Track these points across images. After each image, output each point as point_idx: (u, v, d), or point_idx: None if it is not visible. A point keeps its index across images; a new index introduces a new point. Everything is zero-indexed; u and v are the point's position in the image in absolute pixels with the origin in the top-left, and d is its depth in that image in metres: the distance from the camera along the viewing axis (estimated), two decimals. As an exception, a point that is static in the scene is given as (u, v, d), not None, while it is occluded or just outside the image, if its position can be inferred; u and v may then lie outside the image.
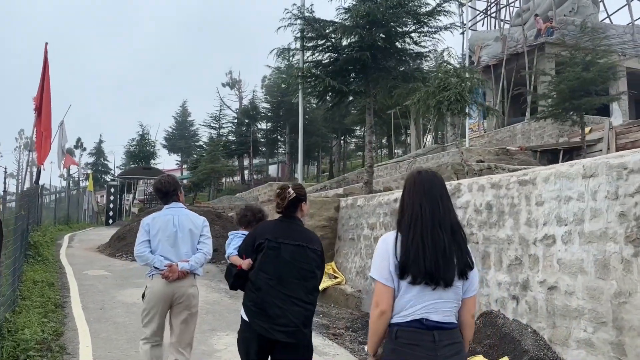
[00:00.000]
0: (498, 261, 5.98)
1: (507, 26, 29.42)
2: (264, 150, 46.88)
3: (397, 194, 7.99)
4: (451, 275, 2.29)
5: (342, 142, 44.99)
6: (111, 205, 30.90)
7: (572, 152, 17.57)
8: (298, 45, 10.47)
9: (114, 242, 13.98)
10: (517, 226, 5.71)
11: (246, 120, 44.42)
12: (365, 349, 2.84)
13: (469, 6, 30.68)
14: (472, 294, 2.42)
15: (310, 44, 10.54)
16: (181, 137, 64.79)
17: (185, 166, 63.26)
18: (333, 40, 10.42)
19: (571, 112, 12.60)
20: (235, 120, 47.51)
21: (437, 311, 2.28)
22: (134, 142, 45.27)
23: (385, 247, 2.36)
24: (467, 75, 8.49)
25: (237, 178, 50.13)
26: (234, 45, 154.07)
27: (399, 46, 10.56)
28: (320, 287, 9.98)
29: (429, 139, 31.21)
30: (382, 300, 2.30)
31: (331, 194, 17.19)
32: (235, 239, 3.85)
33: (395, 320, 2.31)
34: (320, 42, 10.54)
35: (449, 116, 9.97)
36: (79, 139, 64.60)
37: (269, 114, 41.89)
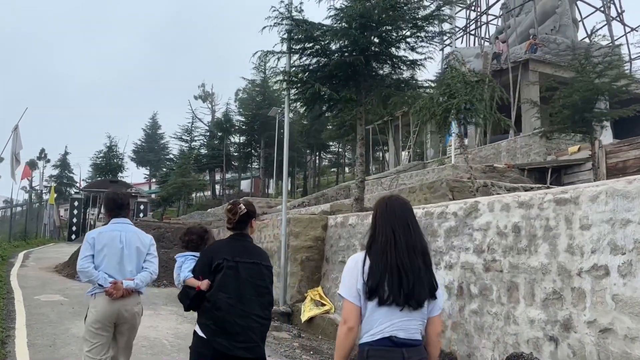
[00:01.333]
0: (529, 294, 5.07)
1: (486, 43, 29.17)
2: (237, 165, 45.62)
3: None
4: (424, 296, 2.41)
5: (316, 157, 44.13)
6: (74, 220, 29.27)
7: (560, 171, 17.05)
8: (284, 48, 9.49)
9: (74, 261, 12.64)
10: (554, 253, 4.82)
11: (219, 133, 43.22)
12: None
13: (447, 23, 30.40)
14: (437, 313, 2.53)
15: (297, 47, 9.59)
16: (150, 150, 63.25)
17: (153, 180, 61.56)
18: (322, 43, 9.51)
19: (580, 126, 11.91)
20: (208, 134, 46.27)
21: (404, 329, 2.36)
22: (101, 154, 43.63)
23: (355, 267, 2.43)
24: (476, 80, 7.68)
25: (208, 193, 48.72)
26: (207, 59, 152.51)
27: (394, 52, 9.71)
28: (307, 315, 8.92)
29: (404, 155, 30.64)
30: (349, 318, 2.37)
31: (316, 211, 16.20)
32: (187, 262, 3.72)
33: (364, 339, 2.38)
34: (308, 45, 9.62)
35: (453, 127, 9.10)
36: (42, 150, 62.07)
37: (243, 127, 40.75)
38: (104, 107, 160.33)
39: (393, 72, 9.92)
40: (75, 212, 29.84)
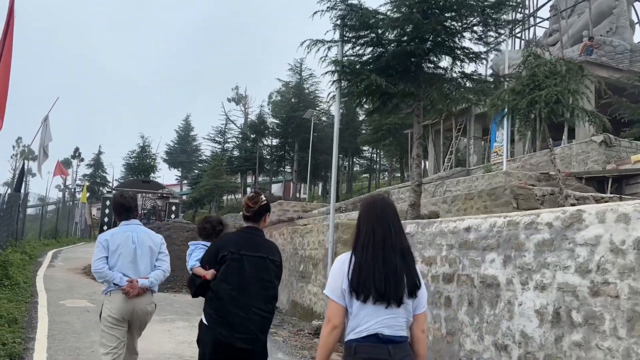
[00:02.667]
0: (661, 328, 4.01)
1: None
2: (269, 168, 44.94)
3: (469, 221, 6.05)
4: (401, 294, 2.44)
5: (350, 162, 43.14)
6: (106, 219, 28.92)
7: (620, 181, 15.71)
8: (336, 36, 8.59)
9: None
10: (699, 278, 3.77)
11: (252, 135, 42.66)
12: None
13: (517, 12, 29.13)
14: (421, 311, 2.58)
15: (350, 34, 8.68)
16: (183, 151, 63.28)
17: (185, 182, 61.52)
18: (379, 31, 8.58)
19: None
20: (240, 136, 45.79)
21: (389, 326, 2.41)
22: (134, 154, 43.63)
23: (341, 267, 2.49)
24: (566, 69, 6.63)
25: (239, 195, 48.21)
26: (240, 62, 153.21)
27: (457, 43, 8.71)
28: None
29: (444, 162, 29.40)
30: (334, 316, 2.42)
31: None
32: (196, 250, 3.92)
33: (351, 337, 2.43)
34: (363, 33, 8.70)
35: (539, 121, 8.02)
36: (76, 149, 62.66)
37: (277, 130, 40.03)
38: (137, 106, 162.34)
39: (455, 64, 8.91)
40: (107, 211, 29.48)
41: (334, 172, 9.26)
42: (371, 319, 2.39)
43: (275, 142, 42.61)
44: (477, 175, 18.80)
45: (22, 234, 15.96)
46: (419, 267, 4.70)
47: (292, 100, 38.92)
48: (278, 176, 49.76)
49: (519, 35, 30.53)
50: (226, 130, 46.37)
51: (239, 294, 3.40)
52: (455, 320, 5.70)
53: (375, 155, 46.79)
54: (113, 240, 4.33)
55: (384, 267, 2.42)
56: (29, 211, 26.39)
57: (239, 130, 48.72)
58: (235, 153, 45.14)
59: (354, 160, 44.60)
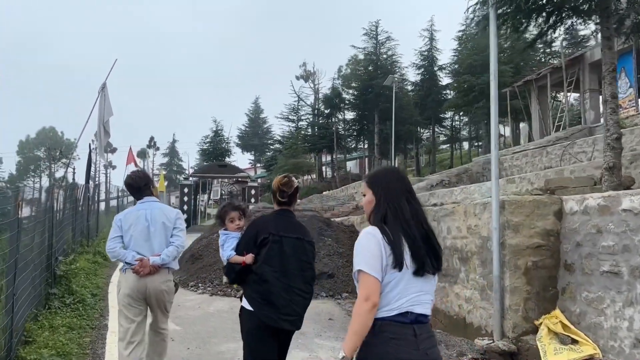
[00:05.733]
0: None
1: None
2: (345, 145, 42.44)
3: None
4: (439, 263, 2.45)
5: (433, 131, 39.85)
6: (185, 207, 27.72)
7: None
8: None
9: (186, 263, 9.99)
10: None
11: (326, 111, 40.29)
12: (341, 355, 2.27)
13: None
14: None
15: None
16: (254, 134, 62.42)
17: (259, 165, 60.56)
18: None
19: None
20: (314, 112, 43.57)
21: (420, 303, 2.36)
22: (208, 139, 42.59)
23: (375, 240, 2.36)
24: None
25: (314, 176, 46.20)
26: (306, 37, 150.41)
27: None
28: None
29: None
30: (373, 293, 2.29)
31: (481, 191, 12.51)
32: (228, 240, 3.78)
33: (379, 314, 2.33)
34: None
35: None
36: (151, 138, 63.32)
37: (354, 101, 37.28)
38: (207, 92, 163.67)
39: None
40: (186, 198, 28.39)
41: (494, 124, 6.55)
42: (403, 296, 2.33)
43: (351, 115, 40.00)
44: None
45: (96, 231, 14.46)
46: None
47: (369, 68, 36.01)
48: (352, 153, 47.31)
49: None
50: (299, 107, 44.22)
51: (281, 276, 3.40)
52: None
53: (458, 122, 43.24)
54: (126, 220, 4.33)
55: (423, 237, 2.41)
56: (106, 204, 25.46)
57: (310, 108, 46.58)
58: (309, 131, 43.05)
59: (436, 129, 41.22)
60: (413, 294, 2.34)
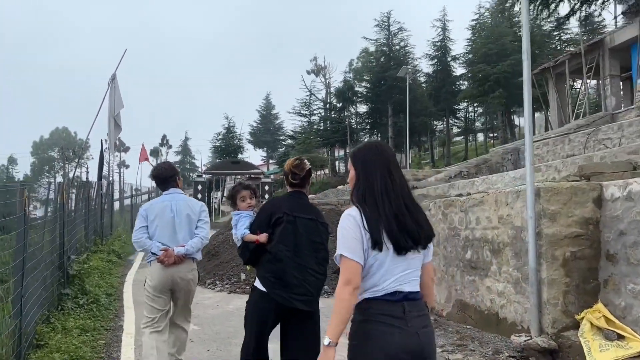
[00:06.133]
0: None
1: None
2: (358, 138, 41.99)
3: None
4: (426, 239, 2.37)
5: (447, 123, 39.26)
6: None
7: None
8: None
9: (202, 260, 9.68)
10: None
11: (339, 104, 39.87)
12: (327, 340, 2.22)
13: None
14: (429, 259, 2.50)
15: None
16: (266, 131, 62.24)
17: (271, 161, 60.35)
18: None
19: None
20: (326, 106, 43.17)
21: (408, 282, 2.32)
22: (220, 136, 42.43)
23: (355, 223, 2.30)
24: None
25: (327, 171, 45.84)
26: (316, 32, 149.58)
27: None
28: (599, 358, 5.16)
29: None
30: (353, 277, 2.25)
31: (503, 181, 12.08)
32: (241, 219, 3.74)
33: (366, 295, 2.30)
34: None
35: None
36: (164, 136, 63.45)
37: (367, 94, 36.79)
38: (217, 89, 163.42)
39: None
40: (199, 196, 28.19)
41: (528, 105, 6.14)
42: (389, 277, 2.28)
43: (364, 108, 39.53)
44: (629, 119, 14.84)
45: (110, 229, 14.24)
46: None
47: (381, 59, 35.50)
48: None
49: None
50: (310, 102, 43.85)
51: (294, 255, 3.39)
52: None
53: (473, 113, 42.64)
54: (152, 210, 4.38)
55: (411, 212, 2.33)
56: (120, 203, 25.35)
57: (322, 102, 46.21)
58: (321, 126, 42.65)
59: (450, 121, 40.63)
60: (400, 274, 2.29)
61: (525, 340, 5.59)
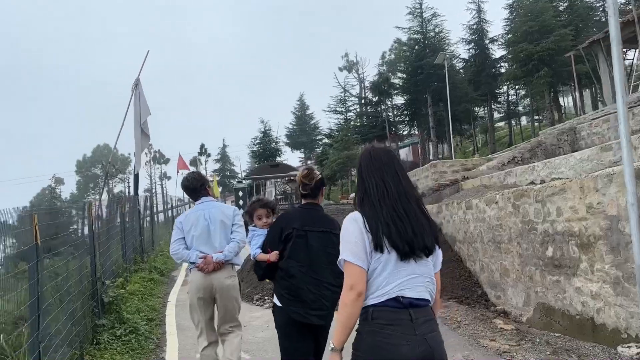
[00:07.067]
0: None
1: None
2: (397, 132, 40.81)
3: None
4: (429, 245, 2.29)
5: (489, 109, 37.67)
6: (241, 211, 27.05)
7: None
8: None
9: (248, 273, 9.02)
10: None
11: (374, 99, 38.85)
12: (331, 346, 2.24)
13: None
14: (438, 269, 2.41)
15: None
16: (302, 132, 61.79)
17: (310, 162, 59.84)
18: None
19: None
20: (362, 101, 42.23)
21: (411, 287, 2.24)
22: (257, 141, 42.12)
23: (358, 227, 2.26)
24: None
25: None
26: (345, 28, 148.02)
27: None
28: None
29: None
30: (358, 282, 2.20)
31: (560, 168, 10.96)
32: (254, 238, 3.81)
33: (369, 302, 2.23)
34: None
35: None
36: (202, 145, 63.95)
37: (404, 85, 35.60)
38: (246, 92, 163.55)
39: None
40: (241, 202, 27.79)
41: (618, 64, 5.14)
42: (392, 281, 2.21)
43: (401, 100, 38.34)
44: None
45: (152, 244, 13.76)
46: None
47: (416, 48, 34.27)
48: (404, 140, 45.63)
49: None
50: (345, 98, 42.99)
51: (308, 270, 3.35)
52: None
53: (515, 96, 40.86)
54: (186, 221, 4.43)
55: (408, 219, 2.26)
56: (164, 215, 25.11)
57: (357, 98, 45.31)
58: (358, 122, 41.73)
59: (492, 106, 38.99)
60: (403, 278, 2.23)
61: (638, 353, 4.64)
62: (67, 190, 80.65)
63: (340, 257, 2.26)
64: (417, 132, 41.59)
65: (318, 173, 3.57)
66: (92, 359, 4.92)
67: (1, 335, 3.83)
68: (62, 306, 4.62)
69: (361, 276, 2.19)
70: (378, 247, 2.20)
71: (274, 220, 3.88)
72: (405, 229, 2.22)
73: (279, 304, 3.42)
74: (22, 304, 3.78)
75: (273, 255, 3.47)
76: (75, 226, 7.30)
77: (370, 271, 2.22)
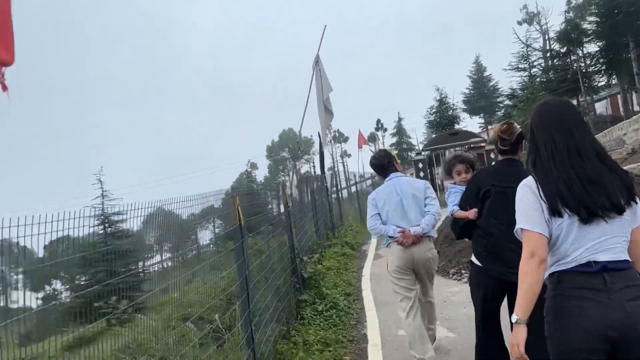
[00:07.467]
0: None
1: None
2: (591, 83, 36.28)
3: None
4: (616, 202, 2.04)
5: None
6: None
7: None
8: None
9: (441, 246, 8.65)
10: None
11: (562, 50, 34.99)
12: (514, 318, 2.05)
13: None
14: (635, 225, 2.12)
15: None
16: (480, 96, 58.67)
17: (490, 127, 56.65)
18: None
19: None
20: (547, 55, 38.40)
21: (604, 250, 2.03)
22: (434, 110, 40.92)
23: (532, 192, 2.14)
24: None
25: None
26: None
27: None
28: None
29: None
30: (538, 248, 2.06)
31: None
32: (451, 195, 3.81)
33: (557, 269, 2.10)
34: None
35: None
36: (378, 120, 64.53)
37: (598, 29, 31.35)
38: (417, 60, 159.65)
39: None
40: (422, 174, 27.39)
41: None
42: (580, 246, 2.03)
43: (595, 48, 33.89)
44: None
45: (341, 219, 14.13)
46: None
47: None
48: (599, 92, 40.44)
49: None
50: (528, 53, 39.48)
51: (507, 228, 2.91)
52: None
53: None
54: (379, 197, 4.55)
55: (580, 179, 2.05)
56: (347, 192, 25.87)
57: (541, 51, 41.28)
58: (544, 78, 38.05)
59: None
60: (593, 241, 2.03)
61: None
62: (260, 174, 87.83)
63: (516, 227, 2.14)
64: (616, 82, 36.58)
65: (518, 126, 3.36)
66: (297, 334, 5.04)
67: (217, 315, 4.06)
68: (268, 283, 4.78)
69: (542, 242, 2.07)
70: (555, 212, 2.06)
71: (470, 176, 3.88)
72: (579, 190, 2.04)
73: (476, 262, 3.42)
74: (232, 282, 3.92)
75: (472, 213, 3.42)
76: (270, 206, 7.68)
77: (552, 238, 2.09)
